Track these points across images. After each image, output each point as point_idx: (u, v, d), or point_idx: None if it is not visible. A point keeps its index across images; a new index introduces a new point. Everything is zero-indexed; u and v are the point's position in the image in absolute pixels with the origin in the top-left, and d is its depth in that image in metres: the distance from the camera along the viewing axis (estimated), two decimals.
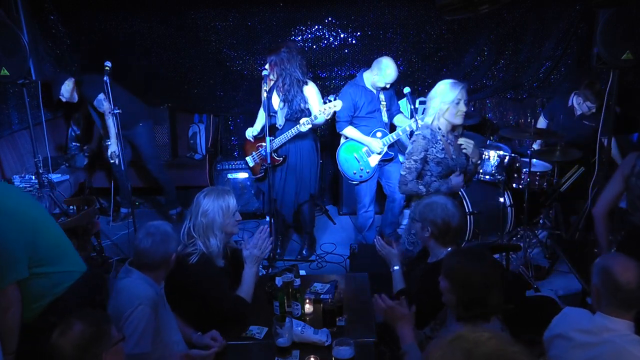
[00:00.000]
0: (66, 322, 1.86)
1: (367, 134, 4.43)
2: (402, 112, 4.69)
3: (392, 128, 4.62)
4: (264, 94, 4.16)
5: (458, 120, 3.27)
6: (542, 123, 4.92)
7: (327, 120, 4.33)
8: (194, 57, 5.42)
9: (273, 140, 4.27)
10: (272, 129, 4.29)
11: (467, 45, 5.35)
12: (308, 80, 4.26)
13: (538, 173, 4.58)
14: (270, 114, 4.27)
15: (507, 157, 4.57)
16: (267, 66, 4.20)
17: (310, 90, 4.24)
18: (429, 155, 3.23)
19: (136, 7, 5.21)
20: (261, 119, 4.52)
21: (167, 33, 5.32)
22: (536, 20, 5.21)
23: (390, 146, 4.46)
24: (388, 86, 4.35)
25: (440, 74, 5.43)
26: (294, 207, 4.53)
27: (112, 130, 4.77)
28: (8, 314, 2.38)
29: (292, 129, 4.22)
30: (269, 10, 5.21)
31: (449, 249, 2.65)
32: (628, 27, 3.69)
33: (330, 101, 4.12)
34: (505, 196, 4.57)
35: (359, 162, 4.49)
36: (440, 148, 3.24)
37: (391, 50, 5.32)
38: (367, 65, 5.38)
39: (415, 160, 3.22)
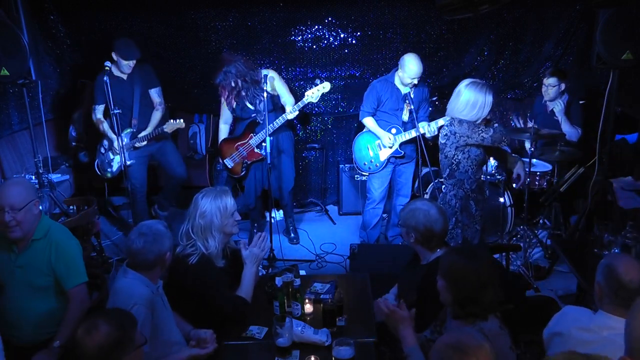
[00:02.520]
0: (92, 321, 1.82)
1: (384, 129, 4.47)
2: (427, 121, 4.44)
3: None
4: (265, 95, 4.23)
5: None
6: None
7: (327, 121, 4.37)
8: (194, 57, 5.41)
9: (254, 136, 4.48)
10: (252, 125, 4.52)
11: (467, 45, 5.35)
12: (262, 70, 4.36)
13: (538, 173, 4.58)
14: (251, 115, 4.49)
15: None
16: (264, 71, 4.34)
17: (275, 82, 4.42)
18: None
19: (136, 7, 5.20)
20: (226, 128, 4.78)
21: (167, 33, 5.31)
22: (536, 20, 5.20)
23: (404, 145, 4.48)
24: (416, 81, 4.30)
25: (441, 74, 5.43)
26: (278, 194, 4.79)
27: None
28: (83, 307, 2.66)
29: (278, 119, 4.36)
30: (269, 10, 5.20)
31: (438, 251, 2.66)
32: (628, 27, 3.69)
33: (317, 84, 4.29)
34: (505, 196, 4.58)
35: (370, 154, 4.54)
36: None
37: (391, 50, 5.32)
38: (367, 65, 5.42)
39: (482, 129, 3.40)
